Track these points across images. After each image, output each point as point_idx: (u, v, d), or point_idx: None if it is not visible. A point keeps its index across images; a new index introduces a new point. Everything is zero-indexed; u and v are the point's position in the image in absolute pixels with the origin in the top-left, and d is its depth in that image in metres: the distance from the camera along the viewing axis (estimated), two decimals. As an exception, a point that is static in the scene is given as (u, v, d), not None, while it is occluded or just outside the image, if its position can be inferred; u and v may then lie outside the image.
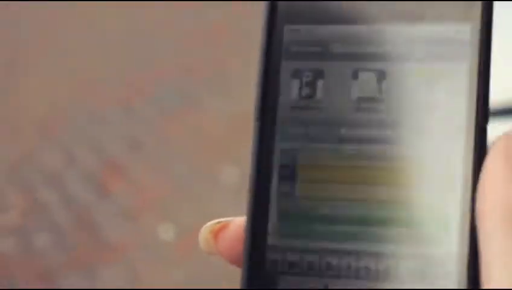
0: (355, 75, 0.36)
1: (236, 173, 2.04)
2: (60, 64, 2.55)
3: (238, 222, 0.38)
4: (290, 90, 0.36)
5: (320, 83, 0.36)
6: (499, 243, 0.31)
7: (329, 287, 0.34)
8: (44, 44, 2.65)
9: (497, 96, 1.22)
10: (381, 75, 0.36)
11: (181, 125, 2.25)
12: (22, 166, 2.22)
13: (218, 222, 0.38)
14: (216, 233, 0.38)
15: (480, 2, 0.34)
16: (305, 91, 0.36)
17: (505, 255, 0.31)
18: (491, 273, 0.31)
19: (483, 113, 0.34)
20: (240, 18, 2.54)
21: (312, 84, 0.36)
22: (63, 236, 1.99)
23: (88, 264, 1.91)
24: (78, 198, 2.09)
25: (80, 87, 2.44)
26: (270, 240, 0.35)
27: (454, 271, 0.33)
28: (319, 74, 0.36)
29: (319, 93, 0.36)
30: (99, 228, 2.00)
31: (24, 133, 2.33)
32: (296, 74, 0.36)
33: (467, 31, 0.35)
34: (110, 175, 2.14)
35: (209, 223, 0.39)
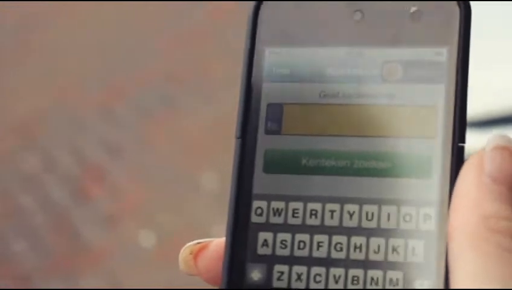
0: (336, 96, 0.37)
1: (217, 178, 2.04)
2: (40, 66, 2.54)
3: (218, 243, 0.38)
4: (272, 113, 0.37)
5: (302, 107, 0.37)
6: (467, 264, 0.31)
7: None
8: (24, 46, 2.64)
9: (498, 105, 1.23)
10: (361, 97, 0.37)
11: (162, 130, 2.25)
12: (0, 169, 2.21)
13: (198, 243, 0.39)
14: (196, 254, 0.39)
15: (457, 25, 0.36)
16: (287, 116, 0.37)
17: (474, 277, 0.31)
18: None
19: (460, 132, 0.35)
20: (222, 21, 2.54)
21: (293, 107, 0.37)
22: (41, 241, 1.99)
23: (67, 270, 1.90)
24: (58, 203, 2.08)
25: (60, 90, 2.43)
26: (249, 258, 0.36)
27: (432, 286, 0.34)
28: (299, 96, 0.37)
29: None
30: (79, 234, 2.00)
31: (3, 136, 2.31)
32: (278, 97, 0.37)
33: (444, 53, 0.36)
34: (90, 180, 2.13)
35: (188, 244, 0.39)
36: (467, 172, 0.33)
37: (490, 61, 1.26)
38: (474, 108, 1.26)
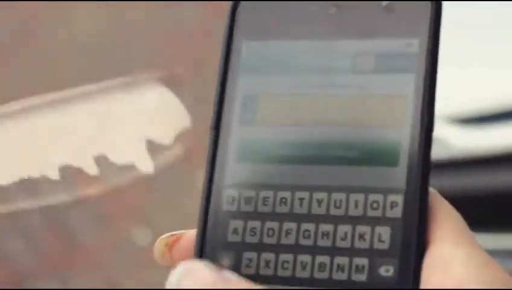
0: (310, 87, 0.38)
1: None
2: (36, 66, 2.55)
3: (192, 234, 0.40)
4: (247, 104, 0.38)
5: (276, 98, 0.38)
6: None
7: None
8: (16, 45, 2.65)
9: (493, 100, 1.23)
10: (334, 88, 0.37)
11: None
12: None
13: (172, 235, 0.40)
14: (171, 245, 0.40)
15: (428, 18, 0.37)
16: (261, 107, 0.38)
17: None
18: None
19: (428, 120, 0.36)
20: (222, 21, 2.54)
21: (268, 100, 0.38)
22: (36, 241, 1.99)
23: (62, 269, 1.91)
24: (52, 201, 2.08)
25: (54, 90, 2.43)
26: (220, 246, 0.37)
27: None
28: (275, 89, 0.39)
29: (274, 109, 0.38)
30: (74, 232, 2.00)
31: None
32: (253, 88, 0.38)
33: (415, 44, 0.37)
34: (85, 179, 2.13)
35: (163, 236, 0.41)
36: None
37: (488, 58, 1.27)
38: (470, 104, 1.26)
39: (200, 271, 0.35)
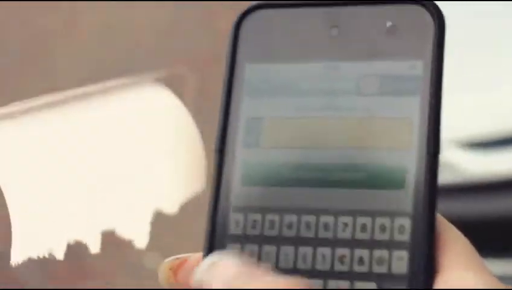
0: (315, 110, 0.38)
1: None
2: (37, 67, 2.55)
3: (197, 257, 0.40)
4: (251, 127, 0.38)
5: (281, 121, 0.38)
6: None
7: None
8: (16, 45, 2.65)
9: (504, 125, 1.23)
10: (338, 110, 0.37)
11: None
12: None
13: (177, 258, 0.40)
14: (176, 269, 0.40)
15: (431, 38, 0.37)
16: (265, 129, 0.38)
17: None
18: None
19: (434, 143, 0.36)
20: (217, 21, 2.55)
21: (272, 122, 0.38)
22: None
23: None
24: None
25: (54, 91, 2.44)
26: None
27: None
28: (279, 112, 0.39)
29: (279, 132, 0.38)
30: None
31: None
32: (257, 111, 0.38)
33: (419, 66, 0.36)
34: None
35: (167, 260, 0.40)
36: None
37: (501, 83, 1.27)
38: (481, 129, 1.25)
39: (224, 263, 0.35)
